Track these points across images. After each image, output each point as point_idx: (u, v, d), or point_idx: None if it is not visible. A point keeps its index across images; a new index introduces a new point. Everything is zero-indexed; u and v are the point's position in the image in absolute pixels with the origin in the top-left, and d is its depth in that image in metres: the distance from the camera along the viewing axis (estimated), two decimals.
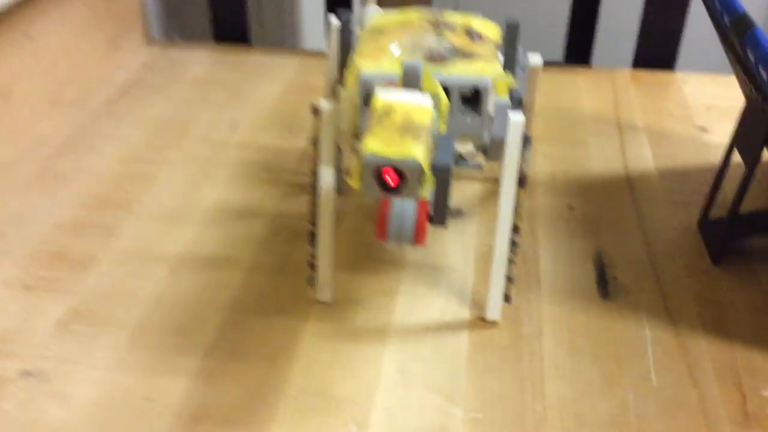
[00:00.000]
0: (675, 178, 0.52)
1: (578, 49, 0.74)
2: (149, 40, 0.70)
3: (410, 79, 0.31)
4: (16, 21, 0.52)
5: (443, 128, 0.33)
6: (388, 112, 0.29)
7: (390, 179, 0.27)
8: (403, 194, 0.28)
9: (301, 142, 0.55)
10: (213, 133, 0.56)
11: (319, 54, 0.69)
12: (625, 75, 0.66)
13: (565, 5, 0.74)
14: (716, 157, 0.54)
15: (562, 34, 0.73)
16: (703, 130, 0.58)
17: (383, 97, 0.30)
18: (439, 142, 0.31)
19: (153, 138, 0.55)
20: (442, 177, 0.31)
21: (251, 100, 0.61)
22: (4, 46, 0.51)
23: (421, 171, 0.27)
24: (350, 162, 0.48)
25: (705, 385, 0.37)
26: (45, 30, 0.55)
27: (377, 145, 0.27)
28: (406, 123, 0.28)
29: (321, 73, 0.65)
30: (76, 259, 0.44)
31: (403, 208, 0.33)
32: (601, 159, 0.54)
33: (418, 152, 0.27)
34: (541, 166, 0.53)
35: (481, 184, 0.51)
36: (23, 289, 0.41)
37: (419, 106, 0.29)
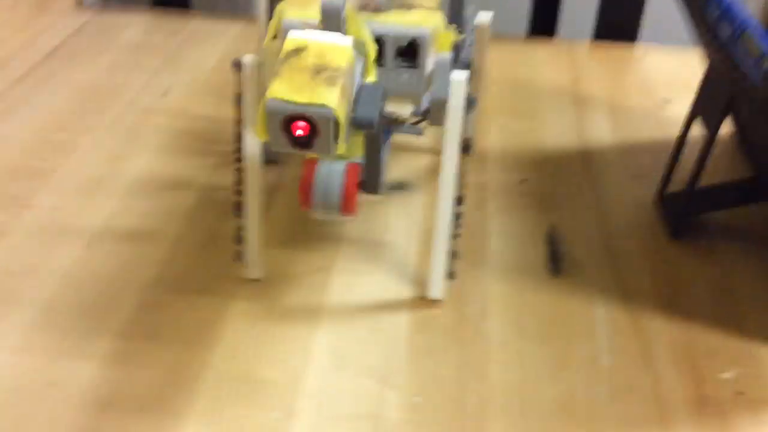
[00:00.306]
0: (634, 152, 0.49)
1: (543, 21, 0.71)
2: (80, 3, 0.65)
3: (330, 19, 0.27)
4: None
5: (372, 78, 0.29)
6: (298, 51, 0.25)
7: (299, 130, 0.24)
8: (315, 149, 0.24)
9: None
10: (142, 100, 0.52)
11: None
12: (586, 47, 0.63)
13: None
14: (677, 132, 0.52)
15: (526, 8, 0.70)
16: (665, 103, 0.55)
17: (294, 34, 0.26)
18: (364, 93, 0.28)
19: (77, 104, 0.51)
20: (368, 133, 0.27)
21: (186, 66, 0.57)
22: None
23: (335, 122, 0.24)
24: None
25: (660, 368, 0.34)
26: None
27: (284, 89, 0.24)
28: (319, 64, 0.24)
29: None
30: None
31: (330, 173, 0.30)
32: (557, 132, 0.51)
33: (331, 99, 0.24)
34: (494, 139, 0.50)
35: (428, 156, 0.48)
36: None
37: (335, 45, 0.25)
